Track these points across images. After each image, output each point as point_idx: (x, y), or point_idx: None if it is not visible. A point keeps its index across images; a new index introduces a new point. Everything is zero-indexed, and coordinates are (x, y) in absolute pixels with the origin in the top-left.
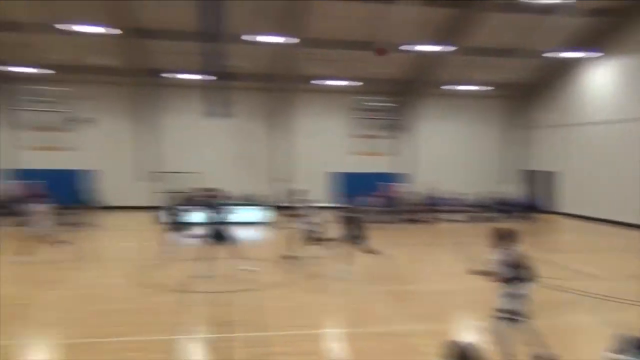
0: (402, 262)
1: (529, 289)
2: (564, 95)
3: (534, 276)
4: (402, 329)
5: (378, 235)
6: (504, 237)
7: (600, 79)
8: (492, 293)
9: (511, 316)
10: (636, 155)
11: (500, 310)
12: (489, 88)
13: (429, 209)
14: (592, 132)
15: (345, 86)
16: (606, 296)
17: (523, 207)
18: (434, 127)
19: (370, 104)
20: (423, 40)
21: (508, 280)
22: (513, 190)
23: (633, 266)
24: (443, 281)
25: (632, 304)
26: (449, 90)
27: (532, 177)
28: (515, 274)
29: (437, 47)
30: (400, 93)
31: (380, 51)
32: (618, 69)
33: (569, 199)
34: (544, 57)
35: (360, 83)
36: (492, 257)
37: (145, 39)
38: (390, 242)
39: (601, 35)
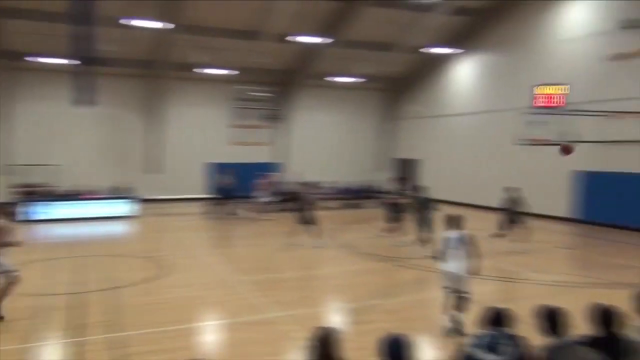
0: (271, 251)
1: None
2: (432, 89)
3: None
4: (272, 316)
5: (251, 225)
6: (453, 221)
7: (463, 74)
8: (356, 277)
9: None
10: (493, 145)
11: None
12: (365, 80)
13: (304, 198)
14: (455, 122)
15: (224, 75)
16: None
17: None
18: (313, 117)
19: (250, 93)
20: (304, 32)
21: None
22: (387, 177)
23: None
24: (311, 267)
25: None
26: (328, 81)
27: (403, 165)
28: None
29: (318, 39)
30: (280, 83)
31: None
32: (478, 65)
33: (433, 184)
34: (416, 52)
35: (240, 72)
36: (445, 236)
37: (5, 18)
38: (261, 232)
39: (465, 33)
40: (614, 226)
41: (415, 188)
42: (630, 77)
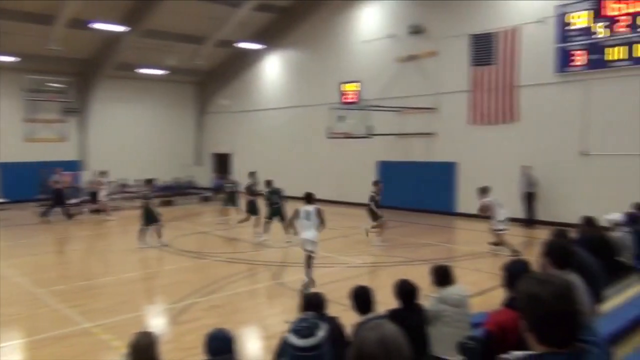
0: (75, 258)
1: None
2: (242, 83)
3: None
4: (88, 327)
5: (46, 230)
6: (308, 198)
7: (272, 69)
8: (176, 276)
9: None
10: (305, 139)
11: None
12: (175, 73)
13: (106, 197)
14: (267, 117)
15: (12, 63)
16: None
17: (211, 190)
18: (119, 111)
19: (45, 84)
20: (103, 19)
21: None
22: (203, 173)
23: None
24: (129, 270)
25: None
26: (134, 73)
27: (219, 159)
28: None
29: (119, 27)
30: (78, 74)
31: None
32: (286, 61)
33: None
34: (225, 46)
35: (30, 60)
36: (302, 209)
37: None
38: (60, 237)
39: (272, 30)
40: (407, 209)
41: (268, 182)
42: (417, 76)
